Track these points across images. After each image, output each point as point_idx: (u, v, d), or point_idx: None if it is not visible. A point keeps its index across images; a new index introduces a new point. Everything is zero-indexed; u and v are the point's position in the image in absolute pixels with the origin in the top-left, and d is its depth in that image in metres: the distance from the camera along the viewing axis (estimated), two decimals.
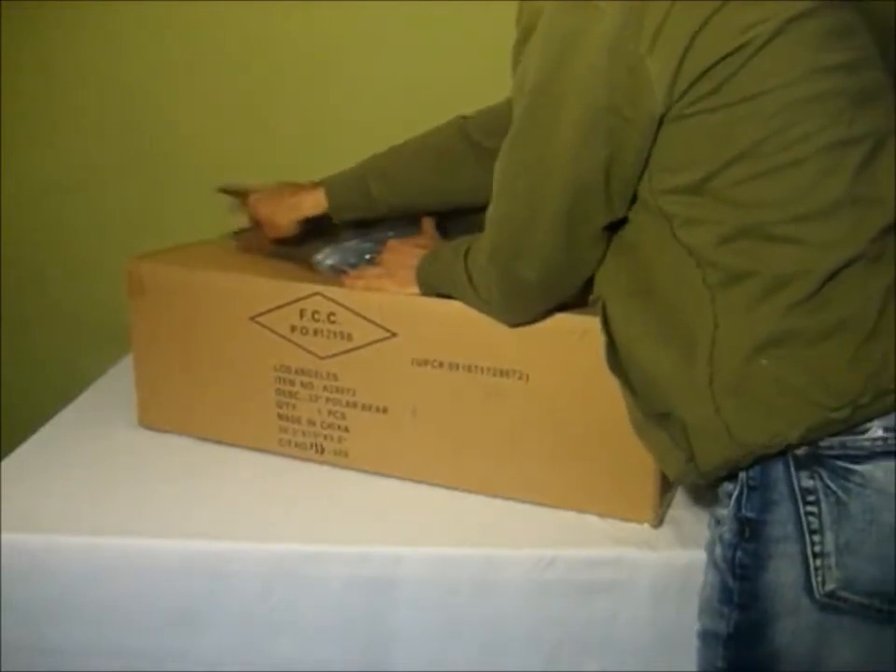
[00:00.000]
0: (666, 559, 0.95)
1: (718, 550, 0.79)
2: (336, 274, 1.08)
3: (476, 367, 0.99)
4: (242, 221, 1.31)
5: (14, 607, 0.97)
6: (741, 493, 0.76)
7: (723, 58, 0.70)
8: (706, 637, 0.82)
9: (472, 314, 0.98)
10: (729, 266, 0.74)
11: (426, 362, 1.01)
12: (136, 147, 1.65)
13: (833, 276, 0.71)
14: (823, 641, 0.75)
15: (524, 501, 1.02)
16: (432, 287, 1.01)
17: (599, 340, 0.89)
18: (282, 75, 1.59)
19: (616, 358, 0.84)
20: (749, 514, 0.75)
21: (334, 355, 1.06)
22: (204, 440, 1.17)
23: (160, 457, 1.14)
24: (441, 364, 1.01)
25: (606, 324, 0.85)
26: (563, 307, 0.94)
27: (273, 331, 1.08)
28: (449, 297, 0.99)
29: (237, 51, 1.59)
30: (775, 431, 0.72)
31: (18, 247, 1.71)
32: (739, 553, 0.76)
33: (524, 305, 0.93)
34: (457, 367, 1.00)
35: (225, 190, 1.28)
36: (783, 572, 0.74)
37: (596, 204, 0.79)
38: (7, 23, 1.59)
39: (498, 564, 0.95)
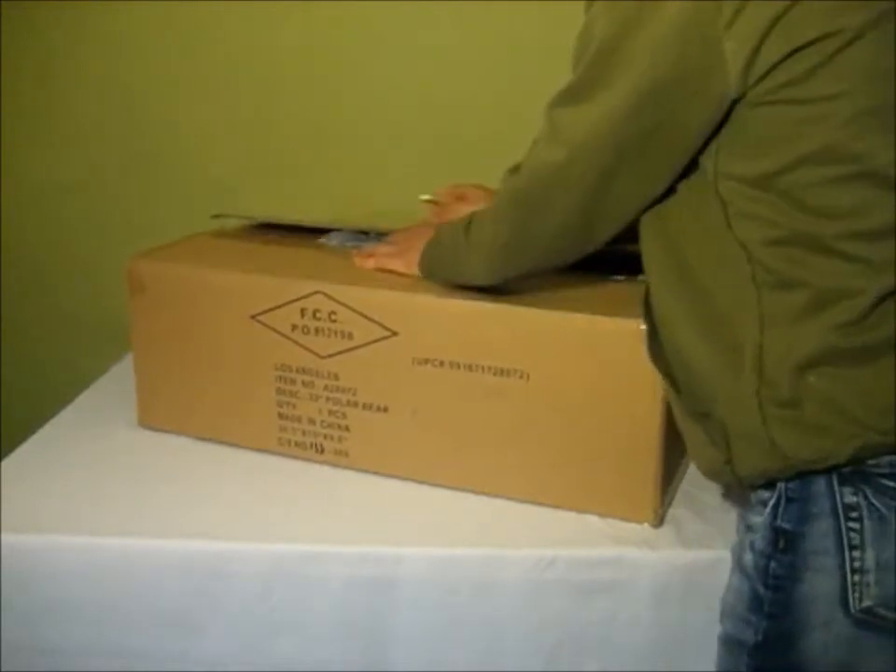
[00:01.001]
0: (666, 559, 0.95)
1: (748, 557, 0.78)
2: (343, 250, 1.10)
3: (477, 366, 0.99)
4: (239, 203, 1.31)
5: (14, 607, 0.97)
6: (778, 503, 0.75)
7: (806, 46, 0.68)
8: (729, 642, 0.81)
9: (473, 313, 0.98)
10: (777, 271, 0.73)
11: (426, 361, 1.01)
12: (136, 147, 1.65)
13: (885, 298, 0.70)
14: (854, 656, 0.75)
15: (524, 501, 1.02)
16: (432, 265, 1.01)
17: (599, 340, 0.90)
18: (282, 75, 1.59)
19: (658, 349, 0.83)
20: (786, 525, 0.75)
21: (335, 354, 1.06)
22: (204, 439, 1.17)
23: (160, 457, 1.14)
24: (441, 363, 1.01)
25: (648, 311, 0.84)
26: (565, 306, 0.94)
27: (273, 330, 1.08)
28: (446, 282, 1.00)
29: (237, 51, 1.59)
30: (822, 449, 0.72)
31: (18, 247, 1.71)
32: (773, 564, 0.75)
33: (517, 260, 0.91)
34: (458, 366, 1.00)
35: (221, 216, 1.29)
36: (818, 585, 0.74)
37: (634, 172, 0.78)
38: (7, 23, 1.59)
39: (498, 564, 0.95)
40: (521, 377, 0.98)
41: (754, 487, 0.78)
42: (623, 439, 0.96)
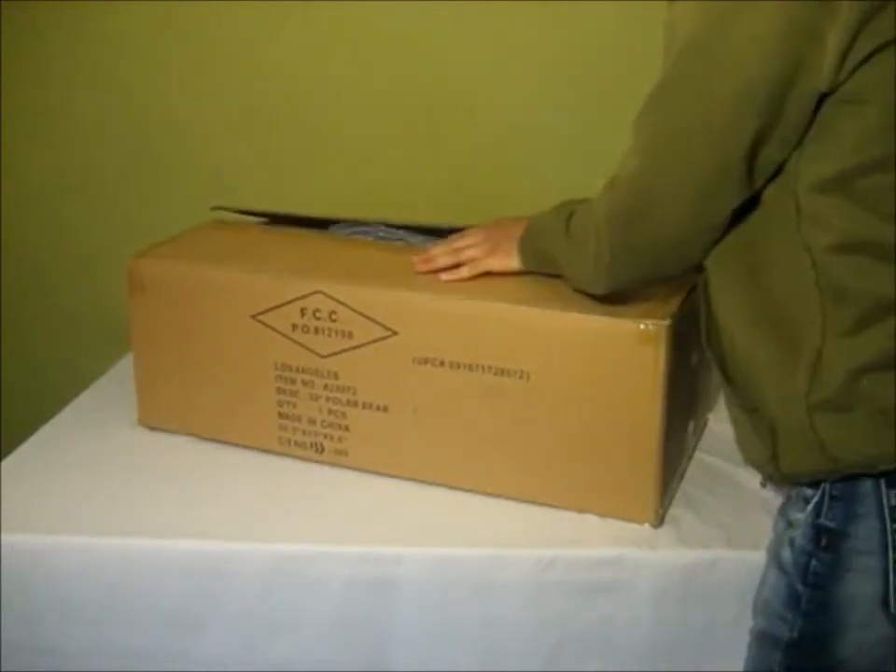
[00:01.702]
0: (666, 559, 0.95)
1: (787, 553, 0.78)
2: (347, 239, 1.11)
3: (477, 366, 0.99)
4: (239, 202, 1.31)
5: (14, 607, 0.97)
6: (822, 500, 0.75)
7: (885, 46, 0.66)
8: (762, 638, 0.81)
9: (473, 313, 0.98)
10: (842, 279, 0.72)
11: (426, 361, 1.01)
12: (136, 147, 1.65)
13: None
14: (889, 657, 0.75)
15: (524, 501, 1.02)
16: (535, 255, 0.98)
17: (600, 340, 0.90)
18: (282, 74, 1.59)
19: (714, 337, 0.83)
20: (829, 524, 0.75)
21: (335, 353, 1.06)
22: (204, 439, 1.17)
23: (160, 457, 1.14)
24: (441, 363, 1.01)
25: (707, 300, 0.83)
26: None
27: (273, 330, 1.08)
28: (547, 272, 0.97)
29: (237, 51, 1.59)
30: (871, 455, 0.72)
31: (18, 247, 1.71)
32: (814, 562, 0.75)
33: (627, 272, 0.86)
34: (458, 366, 1.00)
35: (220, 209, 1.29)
36: (860, 585, 0.74)
37: (736, 179, 0.74)
38: (7, 23, 1.59)
39: (498, 564, 0.95)
40: (521, 377, 0.98)
41: (797, 484, 0.78)
42: (624, 439, 0.96)
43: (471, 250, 1.04)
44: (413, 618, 0.97)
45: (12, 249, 1.71)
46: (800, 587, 0.76)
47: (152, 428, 1.20)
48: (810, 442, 0.74)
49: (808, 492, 0.77)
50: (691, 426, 1.12)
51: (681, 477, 1.08)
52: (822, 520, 0.75)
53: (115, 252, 1.23)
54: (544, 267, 0.98)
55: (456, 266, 1.03)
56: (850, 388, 0.72)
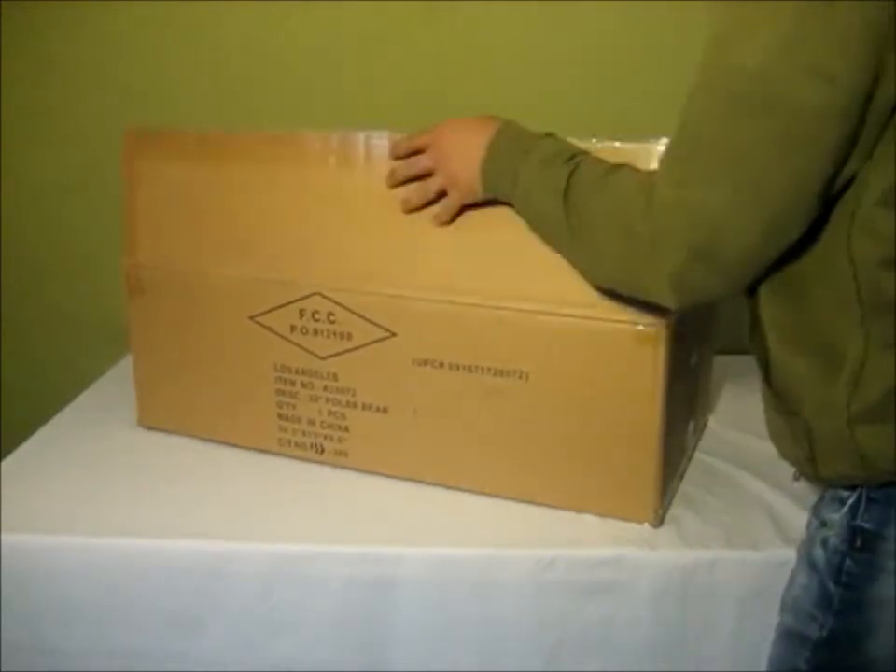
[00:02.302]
0: (666, 559, 0.95)
1: (819, 553, 0.77)
2: None
3: (476, 367, 0.99)
4: None
5: (14, 607, 0.97)
6: (858, 502, 0.74)
7: None
8: (789, 636, 0.81)
9: (472, 313, 0.98)
10: (886, 292, 0.70)
11: (426, 362, 1.01)
12: None
13: None
14: None
15: (524, 501, 1.02)
16: (501, 186, 0.88)
17: (599, 340, 0.90)
18: (282, 75, 1.59)
19: (757, 338, 0.82)
20: (866, 525, 0.74)
21: (334, 354, 1.06)
22: (204, 440, 1.17)
23: (160, 457, 1.14)
24: (441, 364, 1.01)
25: (753, 300, 0.81)
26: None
27: (272, 331, 1.08)
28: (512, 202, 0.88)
29: (237, 52, 1.59)
30: None
31: (18, 247, 1.71)
32: (848, 562, 0.75)
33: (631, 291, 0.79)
34: (458, 367, 1.00)
35: None
36: (893, 587, 0.73)
37: (813, 200, 0.68)
38: (7, 23, 1.59)
39: (498, 564, 0.95)
40: (520, 377, 0.98)
41: (833, 486, 0.78)
42: (623, 439, 0.96)
43: (433, 177, 0.96)
44: (413, 618, 0.97)
45: (12, 249, 1.71)
46: (832, 587, 0.76)
47: (152, 429, 1.20)
48: (849, 451, 0.73)
49: (844, 493, 0.76)
50: (691, 426, 1.12)
51: (681, 477, 1.08)
52: (858, 521, 0.74)
53: (115, 252, 1.23)
54: (514, 206, 0.89)
55: (427, 203, 0.97)
56: (891, 400, 0.71)
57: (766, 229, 0.68)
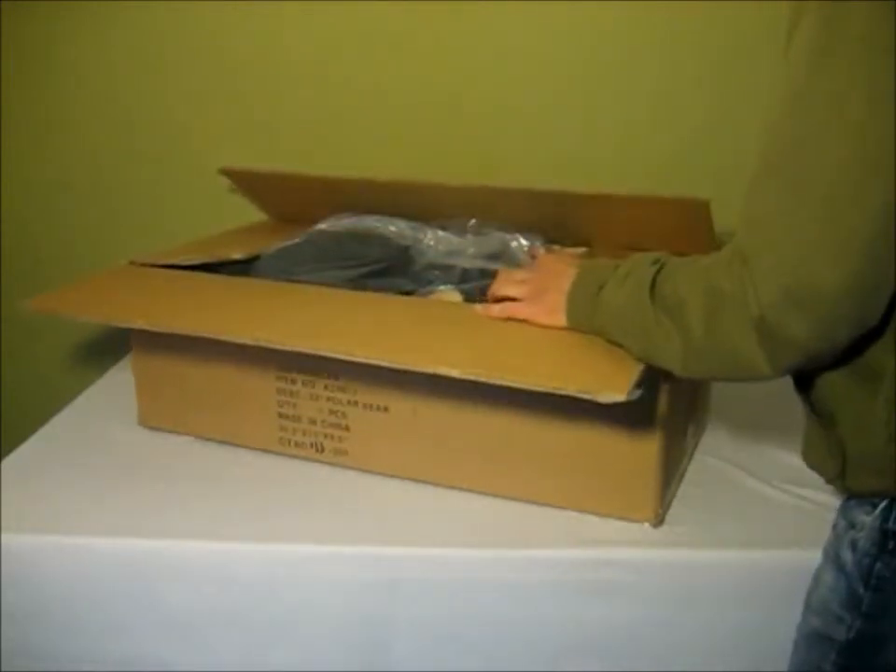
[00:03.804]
0: (667, 559, 0.95)
1: (848, 554, 0.77)
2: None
3: None
4: (239, 201, 1.29)
5: (14, 607, 0.97)
6: (890, 506, 0.74)
7: None
8: (814, 637, 0.80)
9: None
10: None
11: None
12: (137, 147, 1.65)
13: None
14: None
15: (524, 501, 1.02)
16: (587, 319, 0.86)
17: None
18: (282, 75, 1.59)
19: None
20: None
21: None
22: (204, 439, 1.17)
23: (160, 457, 1.14)
24: None
25: None
26: None
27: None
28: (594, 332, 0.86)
29: (237, 51, 1.59)
30: None
31: (18, 247, 1.71)
32: (878, 565, 0.74)
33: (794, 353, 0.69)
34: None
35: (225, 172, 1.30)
36: None
37: None
38: (7, 23, 1.59)
39: (499, 564, 0.95)
40: None
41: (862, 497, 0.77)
42: (624, 438, 0.96)
43: (513, 287, 0.96)
44: (414, 618, 0.97)
45: (12, 249, 1.71)
46: (861, 589, 0.75)
47: (152, 428, 1.20)
48: (885, 469, 0.72)
49: (875, 497, 0.76)
50: (690, 427, 1.12)
51: (681, 477, 1.08)
52: (890, 524, 0.74)
53: (115, 252, 1.23)
54: (590, 326, 0.87)
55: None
56: None
57: (858, 266, 0.63)
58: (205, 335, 0.99)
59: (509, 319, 0.95)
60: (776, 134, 0.67)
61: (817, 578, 0.81)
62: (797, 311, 0.65)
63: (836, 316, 0.65)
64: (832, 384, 0.75)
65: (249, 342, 0.96)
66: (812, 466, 0.81)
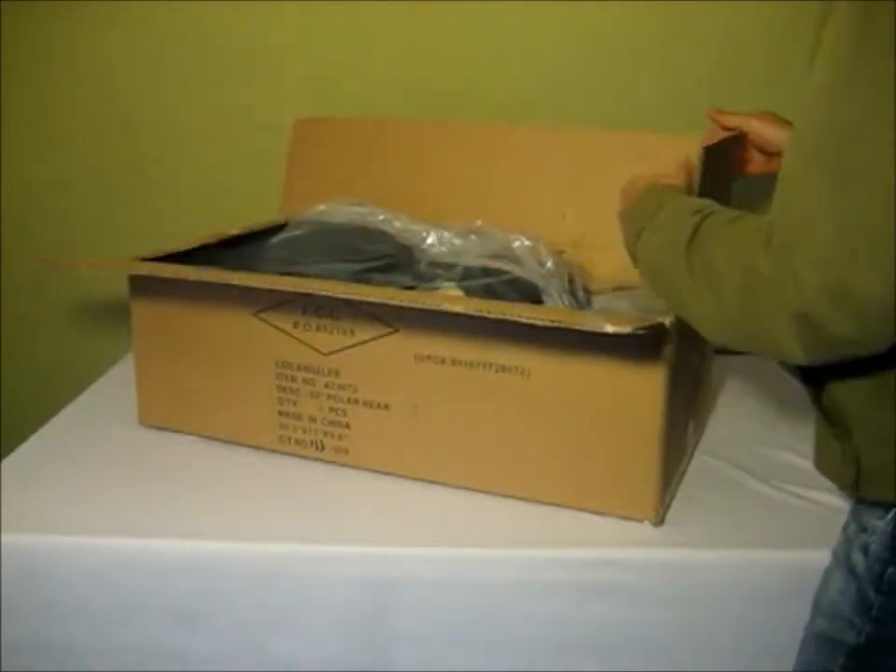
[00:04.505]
0: (667, 559, 0.95)
1: (859, 558, 0.76)
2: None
3: (478, 363, 0.99)
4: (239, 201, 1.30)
5: (14, 607, 0.97)
6: None
7: None
8: (822, 640, 0.80)
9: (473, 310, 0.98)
10: None
11: (427, 358, 1.01)
12: (137, 147, 1.65)
13: None
14: None
15: (525, 499, 1.02)
16: (631, 252, 0.85)
17: (600, 338, 0.89)
18: (281, 74, 1.59)
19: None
20: None
21: (336, 351, 1.06)
22: (205, 438, 1.17)
23: (160, 457, 1.14)
24: (442, 360, 1.01)
25: None
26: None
27: (275, 327, 1.08)
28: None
29: (237, 51, 1.59)
30: None
31: (18, 247, 1.71)
32: (890, 570, 0.73)
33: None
34: (459, 363, 1.00)
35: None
36: None
37: None
38: (7, 23, 1.59)
39: (498, 564, 0.95)
40: (522, 374, 0.98)
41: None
42: (625, 437, 0.96)
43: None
44: (414, 618, 0.96)
45: (12, 249, 1.71)
46: (871, 594, 0.74)
47: (152, 428, 1.20)
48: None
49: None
50: (691, 426, 1.12)
51: (681, 477, 1.08)
52: None
53: (115, 252, 1.23)
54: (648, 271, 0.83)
55: None
56: None
57: None
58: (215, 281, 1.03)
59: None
60: (814, 125, 0.65)
61: (826, 579, 0.81)
62: (841, 308, 0.61)
63: (881, 316, 0.61)
64: (849, 395, 0.74)
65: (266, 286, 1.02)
66: (824, 473, 0.80)
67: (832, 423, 0.77)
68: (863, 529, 0.76)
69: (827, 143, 0.63)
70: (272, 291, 1.05)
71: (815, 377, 0.77)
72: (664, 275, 0.79)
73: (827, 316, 0.62)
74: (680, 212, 0.80)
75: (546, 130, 1.39)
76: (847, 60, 0.62)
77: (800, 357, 0.67)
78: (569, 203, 1.31)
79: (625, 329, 0.84)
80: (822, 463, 0.80)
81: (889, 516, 0.73)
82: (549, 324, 0.89)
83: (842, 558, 0.79)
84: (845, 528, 0.80)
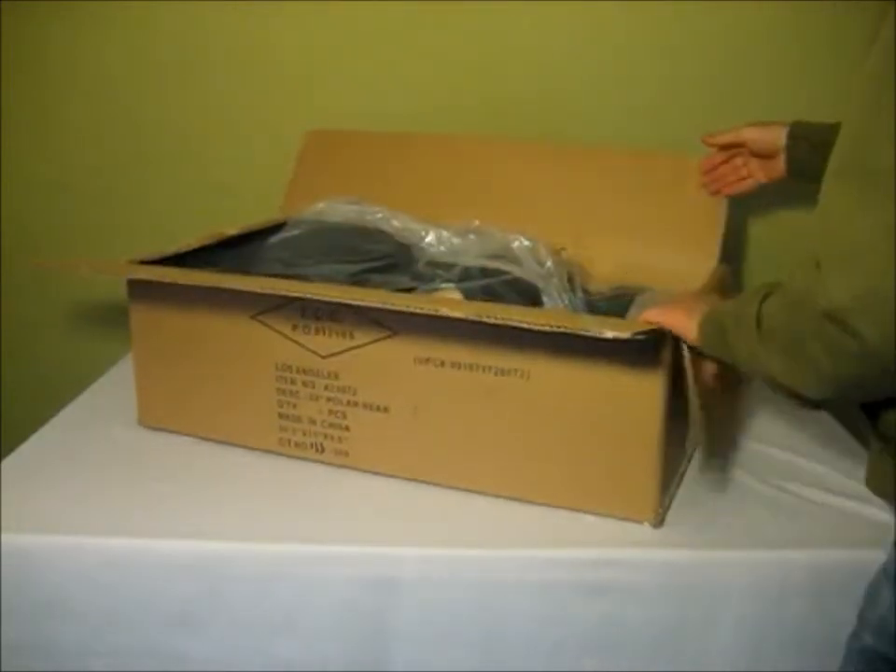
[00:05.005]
0: (667, 559, 0.95)
1: None
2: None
3: (477, 365, 0.99)
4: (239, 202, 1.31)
5: (14, 607, 0.97)
6: None
7: None
8: (870, 656, 0.80)
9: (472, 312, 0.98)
10: None
11: (427, 360, 1.01)
12: (136, 147, 1.65)
13: None
14: None
15: (524, 501, 1.02)
16: (713, 335, 0.84)
17: (600, 339, 0.89)
18: (280, 74, 1.59)
19: None
20: None
21: (335, 353, 1.06)
22: (204, 439, 1.17)
23: (160, 457, 1.14)
24: (442, 363, 1.01)
25: None
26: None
27: (274, 330, 1.08)
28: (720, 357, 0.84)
29: (236, 51, 1.59)
30: None
31: (18, 247, 1.71)
32: None
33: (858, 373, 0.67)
34: (459, 365, 1.00)
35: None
36: None
37: None
38: (7, 23, 1.59)
39: (498, 564, 0.95)
40: (521, 377, 0.98)
41: None
42: (624, 438, 0.96)
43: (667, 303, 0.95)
44: (414, 618, 0.96)
45: (12, 248, 1.71)
46: None
47: (152, 428, 1.20)
48: None
49: None
50: (691, 426, 1.12)
51: (681, 477, 1.08)
52: None
53: (115, 252, 1.23)
54: (716, 348, 0.84)
55: None
56: None
57: None
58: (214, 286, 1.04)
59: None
60: (849, 135, 0.66)
61: (874, 595, 0.80)
62: (868, 316, 0.62)
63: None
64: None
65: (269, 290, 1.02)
66: (877, 492, 0.80)
67: (886, 441, 0.76)
68: None
69: (853, 152, 0.64)
70: (270, 293, 1.06)
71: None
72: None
73: (854, 325, 0.62)
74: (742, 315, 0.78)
75: (548, 145, 1.40)
76: (884, 71, 0.62)
77: (829, 373, 0.67)
78: (571, 217, 1.31)
79: (624, 335, 0.85)
80: (873, 482, 0.80)
81: None
82: (548, 329, 0.89)
83: (892, 575, 0.78)
84: (894, 544, 0.79)
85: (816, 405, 0.74)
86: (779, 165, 1.16)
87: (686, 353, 0.90)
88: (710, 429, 0.91)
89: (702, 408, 0.90)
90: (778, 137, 1.14)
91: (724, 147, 1.21)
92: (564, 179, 1.35)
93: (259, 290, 1.03)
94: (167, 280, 1.08)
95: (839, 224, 0.64)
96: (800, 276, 0.68)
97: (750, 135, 1.17)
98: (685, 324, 0.88)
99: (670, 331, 0.90)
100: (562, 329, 0.89)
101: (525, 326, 0.90)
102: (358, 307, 1.02)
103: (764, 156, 1.17)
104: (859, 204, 0.63)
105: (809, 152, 1.10)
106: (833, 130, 0.68)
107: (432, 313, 0.95)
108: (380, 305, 0.98)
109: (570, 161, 1.36)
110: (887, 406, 0.74)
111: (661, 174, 1.31)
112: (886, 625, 0.78)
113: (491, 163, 1.40)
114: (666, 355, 0.92)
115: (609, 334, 0.86)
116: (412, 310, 0.96)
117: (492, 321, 0.91)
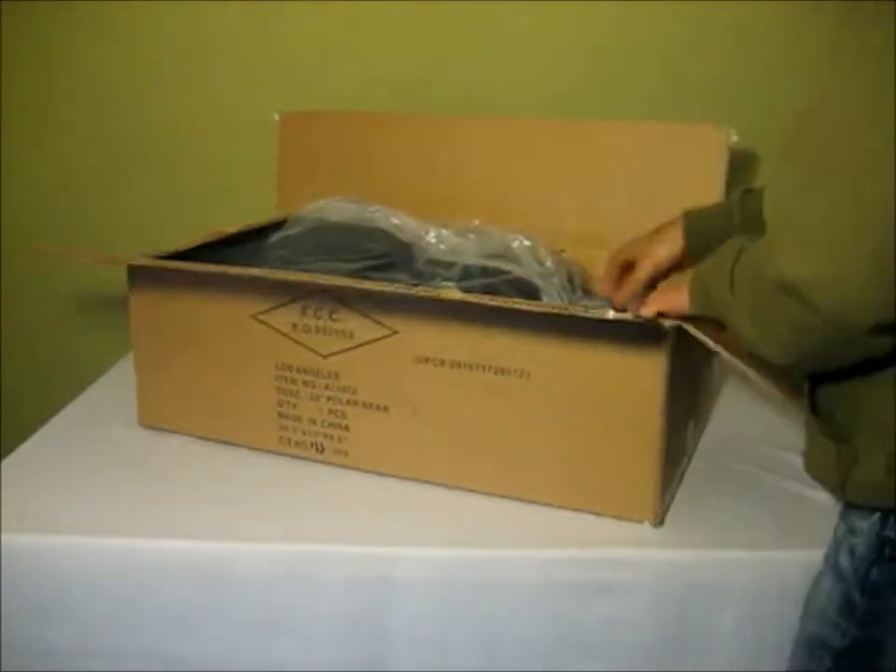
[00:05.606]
0: (667, 559, 0.95)
1: (846, 560, 0.77)
2: None
3: (477, 365, 0.99)
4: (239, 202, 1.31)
5: (14, 607, 0.97)
6: (888, 513, 0.74)
7: None
8: (811, 644, 0.81)
9: (472, 311, 0.98)
10: None
11: (427, 360, 1.01)
12: (136, 147, 1.65)
13: None
14: None
15: (524, 500, 1.02)
16: (701, 296, 0.85)
17: (600, 339, 0.89)
18: (280, 74, 1.59)
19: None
20: (894, 536, 0.74)
21: (335, 353, 1.06)
22: (204, 439, 1.17)
23: (160, 457, 1.14)
24: (442, 362, 1.01)
25: None
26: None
27: (274, 329, 1.08)
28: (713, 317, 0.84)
29: (236, 51, 1.59)
30: None
31: (18, 246, 1.71)
32: (874, 571, 0.74)
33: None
34: (458, 365, 1.00)
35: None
36: None
37: None
38: (7, 23, 1.59)
39: (498, 564, 0.95)
40: (521, 376, 0.98)
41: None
42: (624, 438, 0.96)
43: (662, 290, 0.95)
44: (413, 618, 0.96)
45: (12, 249, 1.71)
46: (857, 596, 0.75)
47: (152, 428, 1.20)
48: (887, 487, 0.72)
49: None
50: (691, 425, 1.12)
51: (681, 477, 1.08)
52: (888, 531, 0.74)
53: (115, 252, 1.23)
54: (709, 310, 0.84)
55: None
56: None
57: (876, 248, 0.61)
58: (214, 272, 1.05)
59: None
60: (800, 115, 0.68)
61: (816, 584, 0.81)
62: (826, 291, 0.63)
63: (854, 298, 0.62)
64: (856, 391, 0.74)
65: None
66: (814, 475, 0.81)
67: (829, 425, 0.77)
68: (851, 531, 0.77)
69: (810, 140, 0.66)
70: (270, 293, 1.06)
71: (816, 378, 0.77)
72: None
73: (807, 297, 0.63)
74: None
75: (547, 121, 1.39)
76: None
77: (792, 347, 0.68)
78: (570, 196, 1.31)
79: (626, 317, 0.88)
80: (813, 466, 0.80)
81: (875, 518, 0.74)
82: (550, 311, 0.91)
83: (831, 562, 0.79)
84: (835, 531, 0.80)
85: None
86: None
87: (693, 331, 0.87)
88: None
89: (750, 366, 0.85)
90: (678, 245, 1.06)
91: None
92: (566, 168, 1.34)
93: (267, 277, 1.04)
94: (168, 268, 1.08)
95: (792, 200, 0.65)
96: (758, 248, 0.69)
97: (657, 260, 1.06)
98: (679, 299, 0.87)
99: (670, 330, 0.90)
100: (564, 313, 0.91)
101: (526, 309, 0.93)
102: (358, 306, 1.02)
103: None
104: (810, 181, 0.64)
105: (705, 244, 0.99)
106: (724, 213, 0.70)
107: (434, 297, 0.97)
108: (379, 289, 0.99)
109: (574, 148, 1.34)
110: (829, 387, 0.76)
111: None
112: (823, 612, 0.79)
113: (468, 141, 1.41)
114: (666, 351, 0.92)
115: (611, 315, 0.89)
116: (414, 293, 0.98)
117: (493, 304, 0.94)
